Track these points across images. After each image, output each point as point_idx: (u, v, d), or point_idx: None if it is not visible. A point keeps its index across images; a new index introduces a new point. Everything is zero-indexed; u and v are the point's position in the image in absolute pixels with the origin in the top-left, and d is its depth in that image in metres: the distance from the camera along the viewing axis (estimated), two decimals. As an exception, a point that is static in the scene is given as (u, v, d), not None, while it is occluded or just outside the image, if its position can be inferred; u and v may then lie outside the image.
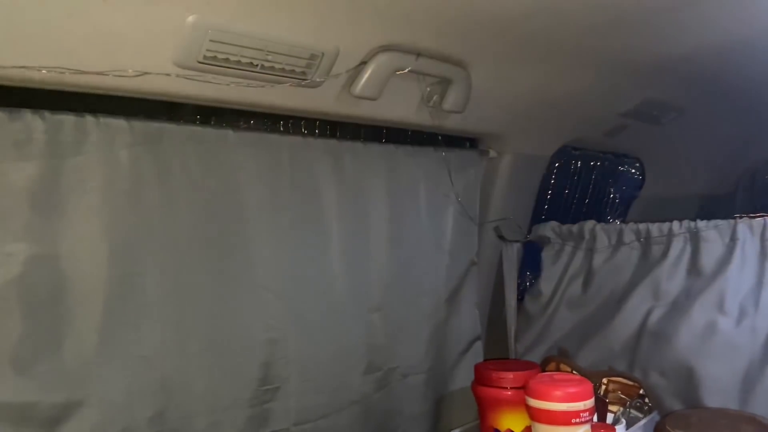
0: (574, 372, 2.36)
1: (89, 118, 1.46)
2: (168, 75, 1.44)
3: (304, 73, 1.61)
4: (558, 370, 2.47)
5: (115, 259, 1.52)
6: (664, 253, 2.25)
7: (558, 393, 1.69)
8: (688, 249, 2.20)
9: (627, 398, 2.32)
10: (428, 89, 1.95)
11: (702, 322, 2.11)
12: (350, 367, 2.07)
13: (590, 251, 2.48)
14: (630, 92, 2.46)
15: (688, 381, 2.10)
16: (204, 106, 1.68)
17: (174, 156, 1.61)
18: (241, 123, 1.86)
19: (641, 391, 2.27)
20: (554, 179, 3.10)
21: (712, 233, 2.15)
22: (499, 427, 2.06)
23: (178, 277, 1.64)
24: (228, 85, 1.54)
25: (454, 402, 2.44)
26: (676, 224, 2.23)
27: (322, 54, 1.59)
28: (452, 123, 2.13)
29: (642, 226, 2.34)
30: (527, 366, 2.16)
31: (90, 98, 1.45)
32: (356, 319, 2.08)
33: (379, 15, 1.58)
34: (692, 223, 2.19)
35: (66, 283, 1.46)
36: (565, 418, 1.68)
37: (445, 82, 1.92)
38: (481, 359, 2.51)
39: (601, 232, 2.45)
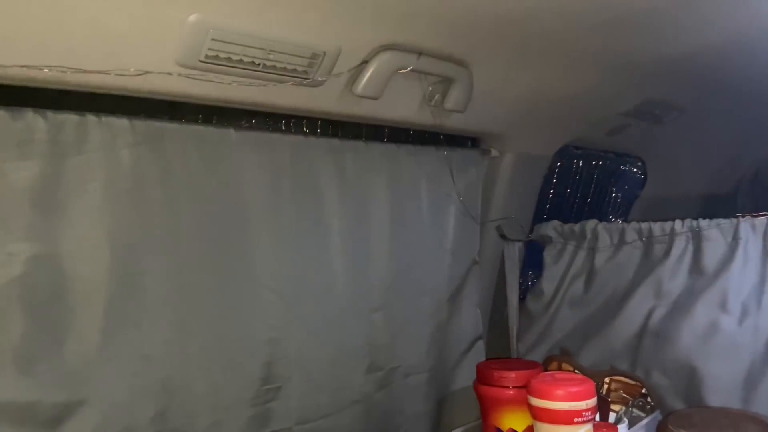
0: (576, 371, 2.36)
1: (91, 118, 1.46)
2: (170, 74, 1.44)
3: (305, 72, 1.61)
4: (560, 369, 2.47)
5: (116, 259, 1.52)
6: (666, 253, 2.24)
7: (560, 392, 1.69)
8: (690, 248, 2.20)
9: (629, 397, 2.32)
10: (430, 88, 1.94)
11: (704, 322, 2.11)
12: (352, 367, 2.07)
13: (592, 250, 2.47)
14: (632, 92, 2.46)
15: (690, 380, 2.10)
16: (206, 105, 1.68)
17: (176, 155, 1.61)
18: (243, 122, 1.86)
19: (643, 391, 2.27)
20: (556, 178, 3.09)
21: (715, 232, 2.15)
22: (501, 427, 2.06)
23: (180, 276, 1.64)
24: (230, 84, 1.54)
25: (455, 401, 2.44)
26: (678, 223, 2.23)
27: (324, 53, 1.59)
28: (454, 122, 2.13)
29: (644, 226, 2.33)
30: (529, 365, 2.16)
31: (92, 97, 1.45)
32: (358, 319, 2.07)
33: (380, 14, 1.58)
34: (694, 223, 2.19)
35: (67, 283, 1.46)
36: (567, 418, 1.68)
37: (446, 82, 1.92)
38: (482, 359, 2.51)
39: (603, 232, 2.44)
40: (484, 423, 2.13)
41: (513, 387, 2.01)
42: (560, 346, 2.52)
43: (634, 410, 2.23)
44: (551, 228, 2.60)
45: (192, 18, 1.36)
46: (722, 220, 2.14)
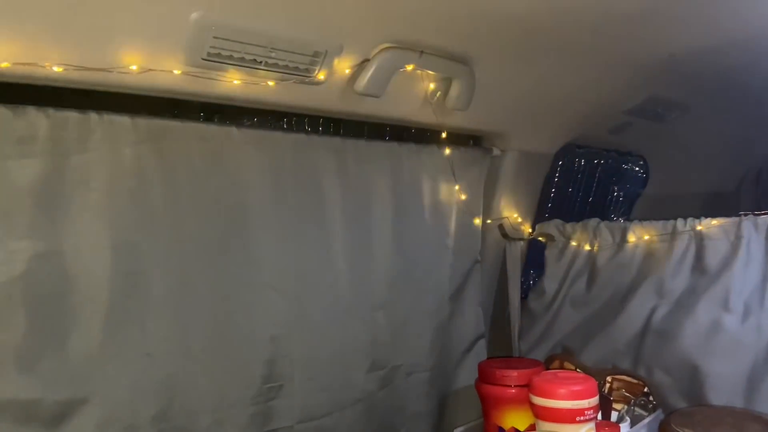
0: (578, 370, 2.36)
1: (93, 116, 1.46)
2: (172, 72, 1.44)
3: (307, 70, 1.60)
4: (562, 368, 2.47)
5: (119, 257, 1.52)
6: (669, 252, 2.24)
7: (562, 391, 1.69)
8: (693, 247, 2.20)
9: (631, 396, 2.32)
10: (432, 86, 1.94)
11: (707, 320, 2.10)
12: (354, 365, 2.07)
13: (594, 249, 2.47)
14: (634, 90, 2.45)
15: (692, 379, 2.10)
16: (208, 103, 1.68)
17: (178, 153, 1.61)
18: (245, 120, 1.86)
19: (645, 389, 2.27)
20: (558, 177, 3.09)
21: (717, 231, 2.14)
22: (503, 425, 2.06)
23: (182, 274, 1.64)
24: (232, 82, 1.54)
25: (457, 400, 2.43)
26: (680, 222, 2.22)
27: (326, 51, 1.59)
28: (456, 120, 2.13)
29: (646, 224, 2.33)
30: (531, 364, 2.16)
31: (94, 95, 1.45)
32: (360, 318, 2.07)
33: (382, 12, 1.58)
34: (696, 221, 2.19)
35: (70, 281, 1.46)
36: (569, 416, 1.68)
37: (448, 80, 1.92)
38: (484, 357, 2.51)
39: (605, 230, 2.44)
40: (486, 422, 2.13)
41: (515, 386, 2.02)
42: (562, 345, 2.51)
43: (636, 409, 2.23)
44: (553, 227, 2.60)
45: (194, 16, 1.36)
46: (724, 219, 2.14)
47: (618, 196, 3.50)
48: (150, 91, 1.51)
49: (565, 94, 2.30)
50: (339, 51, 1.62)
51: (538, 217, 2.80)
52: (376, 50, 1.69)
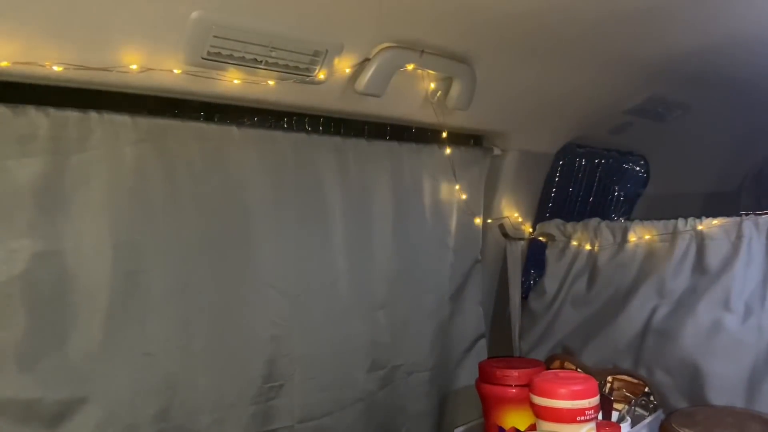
0: (578, 370, 2.36)
1: (93, 115, 1.46)
2: (172, 71, 1.44)
3: (308, 69, 1.60)
4: (562, 368, 2.47)
5: (119, 256, 1.52)
6: (669, 251, 2.24)
7: (563, 391, 1.68)
8: (694, 247, 2.20)
9: (632, 396, 2.32)
10: (432, 86, 1.94)
11: (707, 320, 2.10)
12: (354, 365, 2.07)
13: (594, 249, 2.47)
14: (635, 89, 2.45)
15: (693, 379, 2.10)
16: (208, 102, 1.68)
17: (178, 153, 1.61)
18: (245, 120, 1.86)
19: (646, 389, 2.26)
20: (559, 177, 3.09)
21: (718, 231, 2.14)
22: (503, 425, 2.06)
23: (183, 274, 1.64)
24: (232, 81, 1.54)
25: (458, 400, 2.43)
26: (681, 222, 2.22)
27: (326, 50, 1.59)
28: (456, 120, 2.13)
29: (647, 224, 2.33)
30: (532, 364, 2.15)
31: (94, 95, 1.45)
32: (360, 317, 2.07)
33: (382, 11, 1.57)
34: (697, 221, 2.18)
35: (70, 280, 1.46)
36: (570, 416, 1.67)
37: (449, 79, 1.92)
38: (485, 357, 2.51)
39: (606, 230, 2.44)
40: (486, 421, 2.13)
41: (515, 385, 2.01)
42: (563, 345, 2.51)
43: (637, 409, 2.23)
44: (554, 226, 2.60)
45: (194, 15, 1.36)
46: (725, 219, 2.14)
47: (619, 195, 3.50)
48: (150, 91, 1.51)
49: (566, 94, 2.29)
50: (339, 50, 1.61)
51: (539, 217, 2.80)
52: (377, 49, 1.69)
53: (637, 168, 3.42)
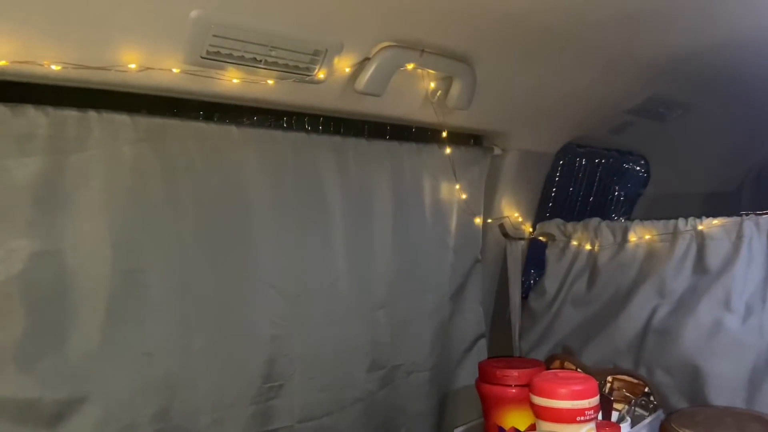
0: (578, 370, 2.35)
1: (92, 114, 1.45)
2: (171, 70, 1.43)
3: (307, 68, 1.60)
4: (562, 368, 2.46)
5: (118, 256, 1.52)
6: (670, 251, 2.24)
7: (563, 391, 1.68)
8: (694, 247, 2.19)
9: (632, 396, 2.32)
10: (432, 85, 1.94)
11: (708, 320, 2.10)
12: (354, 365, 2.07)
13: (595, 249, 2.47)
14: (635, 89, 2.45)
15: (693, 379, 2.09)
16: (207, 102, 1.68)
17: (177, 152, 1.61)
18: (245, 119, 1.86)
19: (646, 389, 2.26)
20: (559, 176, 3.09)
21: (718, 231, 2.14)
22: (503, 425, 2.06)
23: (182, 273, 1.64)
24: (231, 80, 1.53)
25: (458, 400, 2.43)
26: (681, 222, 2.22)
27: (326, 50, 1.58)
28: (456, 120, 2.12)
29: (647, 224, 2.33)
30: (532, 364, 2.15)
31: (93, 94, 1.45)
32: (360, 317, 2.07)
33: (383, 10, 1.57)
34: (698, 221, 2.18)
35: (69, 280, 1.46)
36: (569, 416, 1.67)
37: (449, 79, 1.91)
38: (485, 357, 2.51)
39: (606, 230, 2.43)
40: (486, 421, 2.13)
41: (515, 385, 2.01)
42: (563, 345, 2.51)
43: (637, 409, 2.22)
44: (554, 226, 2.59)
45: (193, 14, 1.35)
46: (726, 219, 2.13)
47: (619, 195, 3.50)
48: (149, 90, 1.51)
49: (567, 94, 2.29)
50: (339, 49, 1.61)
51: (539, 217, 2.79)
52: (377, 49, 1.69)
53: (638, 168, 3.42)
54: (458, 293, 2.44)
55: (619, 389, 2.39)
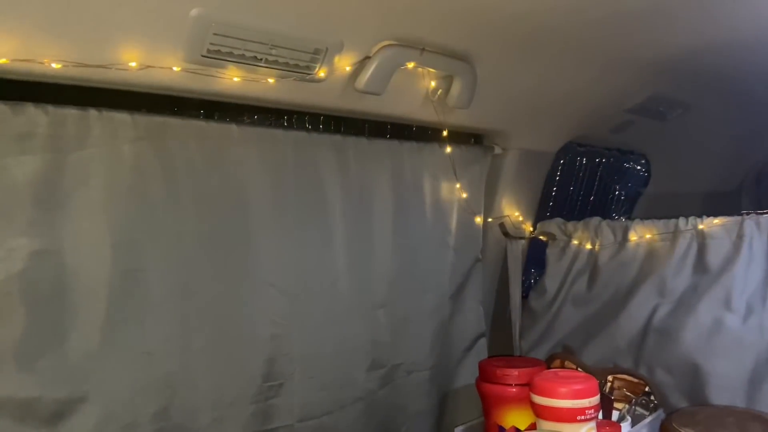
0: (579, 369, 2.35)
1: (92, 112, 1.45)
2: (171, 69, 1.43)
3: (308, 67, 1.60)
4: (563, 367, 2.46)
5: (118, 255, 1.52)
6: (670, 250, 2.24)
7: (563, 390, 1.68)
8: (695, 246, 2.19)
9: (632, 395, 2.32)
10: (433, 84, 1.93)
11: (708, 320, 2.10)
12: (354, 364, 2.07)
13: (595, 248, 2.47)
14: (636, 88, 2.45)
15: (694, 378, 2.09)
16: (208, 100, 1.67)
17: (178, 151, 1.60)
18: (245, 118, 1.86)
19: (647, 389, 2.26)
20: (559, 176, 3.09)
21: (719, 230, 2.14)
22: (503, 424, 2.06)
23: (182, 272, 1.64)
24: (232, 79, 1.53)
25: (458, 399, 2.43)
26: (682, 221, 2.22)
27: (326, 48, 1.58)
28: (457, 119, 2.12)
29: (648, 223, 2.32)
30: (532, 363, 2.15)
31: (93, 92, 1.44)
32: (360, 316, 2.07)
33: (383, 9, 1.57)
34: (698, 220, 2.18)
35: (69, 279, 1.46)
36: (570, 415, 1.67)
37: (449, 78, 1.91)
38: (485, 356, 2.51)
39: (607, 229, 2.43)
40: (487, 421, 2.13)
41: (516, 385, 2.01)
42: (563, 344, 2.51)
43: (638, 408, 2.22)
44: (554, 225, 2.59)
45: (193, 12, 1.35)
46: (726, 218, 2.13)
47: (619, 194, 3.50)
48: (149, 88, 1.51)
49: (567, 93, 2.29)
50: (340, 48, 1.61)
51: (540, 216, 2.79)
52: (377, 47, 1.69)
53: (638, 167, 3.42)
54: (458, 292, 2.44)
55: (619, 388, 2.39)
